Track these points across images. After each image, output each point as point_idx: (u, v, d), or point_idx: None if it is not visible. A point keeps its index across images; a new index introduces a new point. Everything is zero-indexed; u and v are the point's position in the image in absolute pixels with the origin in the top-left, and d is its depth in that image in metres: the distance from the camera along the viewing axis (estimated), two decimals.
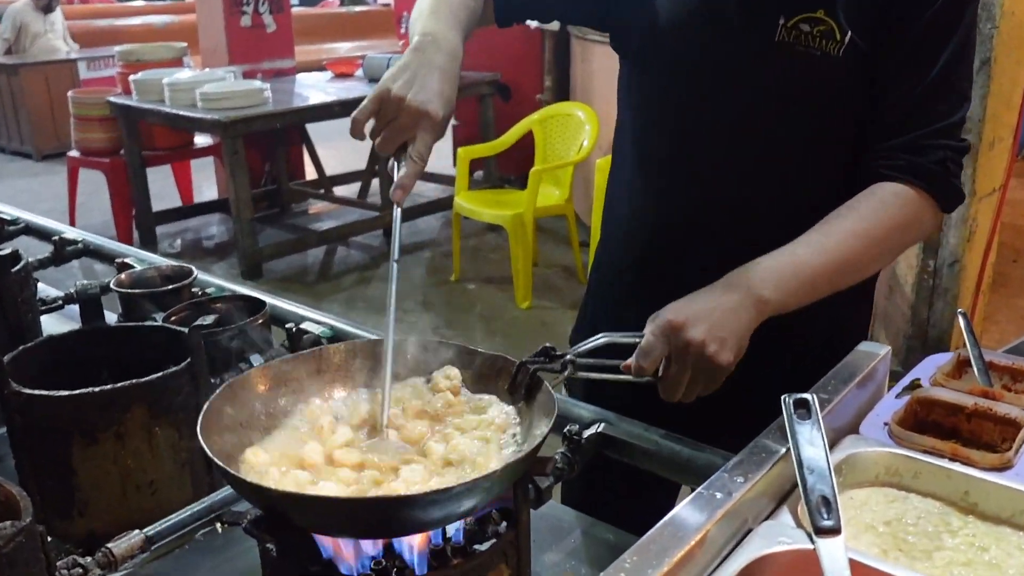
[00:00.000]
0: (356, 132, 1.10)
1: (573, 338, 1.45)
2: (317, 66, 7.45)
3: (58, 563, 0.87)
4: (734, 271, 1.06)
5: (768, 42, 1.12)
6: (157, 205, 5.97)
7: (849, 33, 1.09)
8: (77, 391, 1.05)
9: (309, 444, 0.93)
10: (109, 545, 0.91)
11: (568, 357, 1.02)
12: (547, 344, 1.02)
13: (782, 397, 0.88)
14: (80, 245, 1.97)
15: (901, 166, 1.10)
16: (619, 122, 1.40)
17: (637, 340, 1.02)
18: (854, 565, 0.74)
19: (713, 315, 1.00)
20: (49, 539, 1.11)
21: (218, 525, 1.03)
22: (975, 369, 1.12)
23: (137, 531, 0.94)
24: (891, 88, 1.12)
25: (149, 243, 5.79)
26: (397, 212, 1.09)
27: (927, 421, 1.03)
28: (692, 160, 1.25)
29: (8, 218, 2.15)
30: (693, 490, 0.96)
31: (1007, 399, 1.03)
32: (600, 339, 1.03)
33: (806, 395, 0.87)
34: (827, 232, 1.08)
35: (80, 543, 1.00)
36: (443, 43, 1.12)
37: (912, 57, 1.10)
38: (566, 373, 1.01)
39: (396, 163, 1.10)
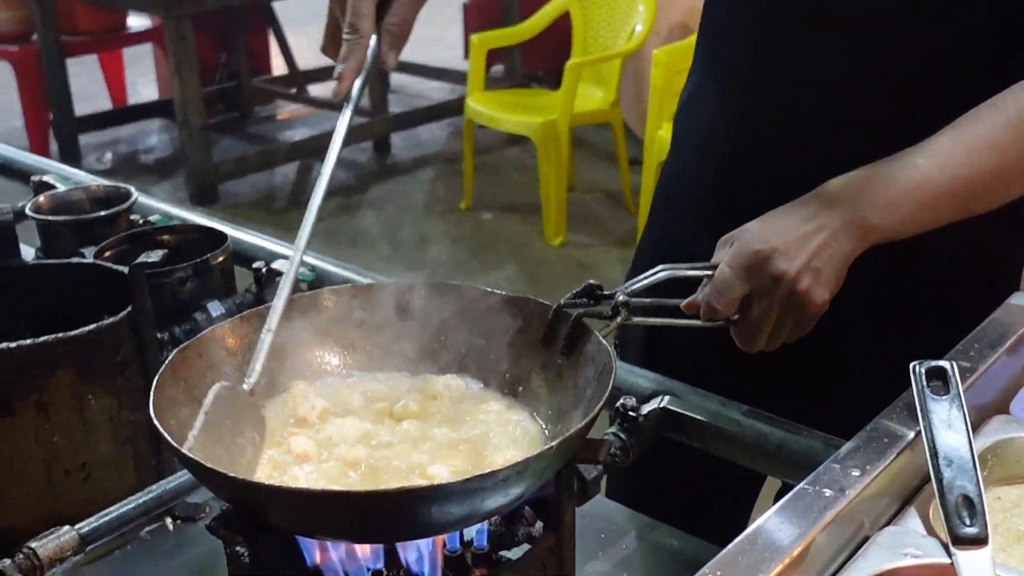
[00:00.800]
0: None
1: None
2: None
3: None
4: (833, 181, 1.07)
5: None
6: (81, 108, 6.01)
7: None
8: None
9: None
10: (32, 545, 0.92)
11: (620, 298, 1.01)
12: (591, 281, 1.01)
13: (911, 365, 0.87)
14: None
15: None
16: (705, 11, 1.40)
17: (708, 273, 1.03)
18: None
19: (806, 241, 1.01)
20: None
21: (168, 521, 1.06)
22: None
23: (68, 527, 0.95)
24: None
25: (71, 156, 5.82)
26: (345, 116, 1.08)
27: None
28: (791, 58, 1.25)
29: None
30: (787, 485, 0.96)
31: None
32: (659, 272, 1.03)
33: (943, 363, 0.86)
34: (958, 138, 1.07)
35: None
36: None
37: None
38: (619, 319, 1.00)
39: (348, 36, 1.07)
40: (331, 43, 1.10)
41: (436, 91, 6.56)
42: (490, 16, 6.38)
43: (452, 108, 5.98)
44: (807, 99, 1.25)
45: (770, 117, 1.29)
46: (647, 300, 1.05)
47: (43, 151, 5.82)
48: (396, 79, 6.90)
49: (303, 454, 0.91)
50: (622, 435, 1.05)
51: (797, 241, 1.01)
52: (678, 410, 1.11)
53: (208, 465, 0.77)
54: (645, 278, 1.03)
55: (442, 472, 0.87)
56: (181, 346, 0.95)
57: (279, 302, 0.96)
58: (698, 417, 1.11)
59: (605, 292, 1.01)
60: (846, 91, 1.22)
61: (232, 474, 0.79)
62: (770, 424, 1.08)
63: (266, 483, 0.83)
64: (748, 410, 1.10)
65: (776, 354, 1.17)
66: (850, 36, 1.21)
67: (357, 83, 1.07)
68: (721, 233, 1.10)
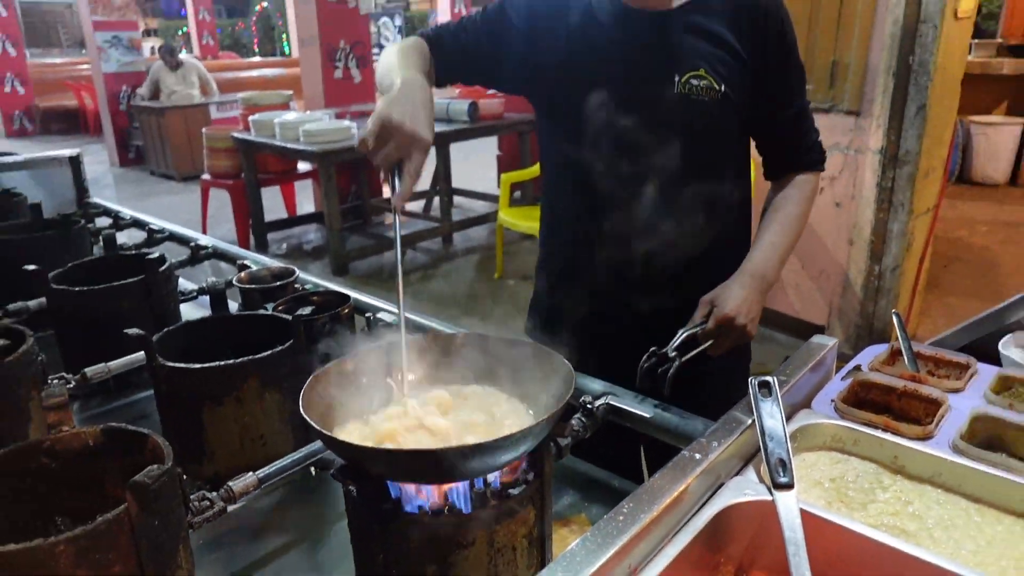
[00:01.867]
0: (361, 147, 1.07)
1: (529, 315, 1.58)
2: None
3: (191, 496, 0.89)
4: (748, 265, 1.24)
5: (670, 93, 1.22)
6: (268, 216, 6.04)
7: (723, 85, 1.21)
8: (206, 364, 1.07)
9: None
10: (230, 483, 0.93)
11: (672, 354, 1.13)
12: (653, 348, 1.14)
13: (749, 379, 0.87)
14: (210, 249, 2.01)
15: (805, 162, 1.34)
16: (544, 158, 1.45)
17: (701, 328, 1.17)
18: (804, 514, 0.73)
19: (748, 302, 1.17)
20: (185, 479, 1.15)
21: (312, 470, 1.04)
22: (905, 358, 1.11)
23: (251, 473, 0.96)
24: (776, 117, 1.30)
25: (262, 246, 5.85)
26: (397, 219, 1.05)
27: (865, 399, 1.02)
28: (613, 187, 1.29)
29: (156, 228, 2.20)
30: (680, 451, 0.96)
31: (930, 382, 1.02)
32: (682, 334, 1.16)
33: (768, 378, 0.86)
34: (784, 221, 1.29)
35: (208, 482, 1.01)
36: (423, 86, 1.11)
37: (778, 97, 1.28)
38: (676, 364, 1.11)
39: (395, 177, 1.06)
40: (371, 146, 1.05)
41: (481, 207, 6.57)
42: (514, 162, 6.43)
43: (490, 217, 5.99)
44: (624, 206, 1.29)
45: (601, 218, 1.32)
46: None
47: (245, 243, 5.87)
48: (456, 199, 6.94)
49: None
50: (583, 419, 1.04)
51: (744, 304, 1.17)
52: (617, 405, 1.11)
53: (330, 435, 0.78)
54: (679, 338, 1.15)
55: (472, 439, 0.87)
56: (320, 369, 0.95)
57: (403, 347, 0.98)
58: (629, 409, 1.10)
59: (662, 351, 1.14)
60: (649, 200, 1.27)
61: (343, 439, 0.80)
62: (671, 413, 1.07)
63: (363, 445, 0.82)
64: (658, 404, 1.10)
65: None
66: (646, 171, 1.26)
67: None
68: (585, 274, 1.28)
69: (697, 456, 0.78)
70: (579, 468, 1.21)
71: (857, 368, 1.07)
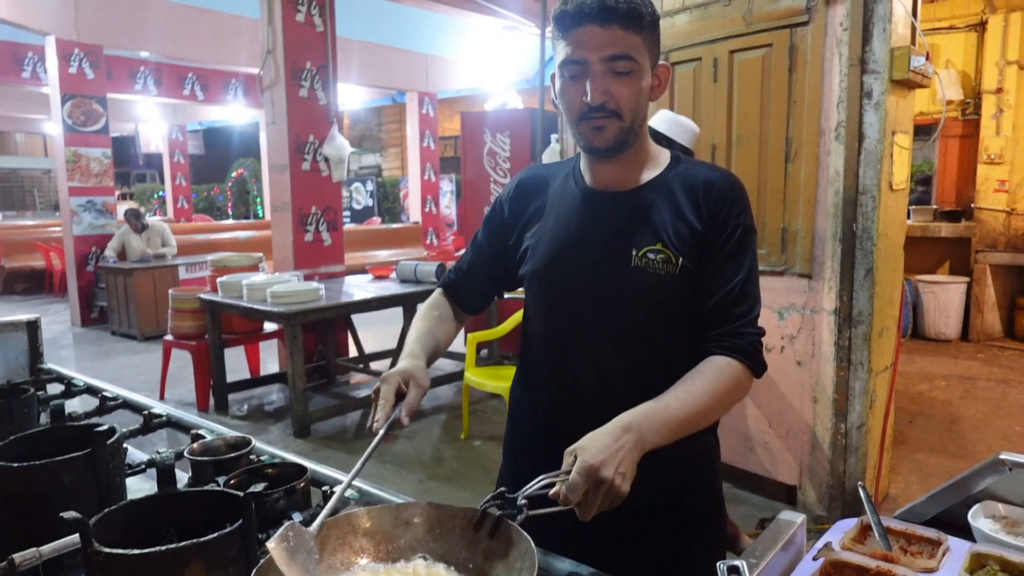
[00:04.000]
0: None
1: (501, 474, 1.58)
2: (361, 269, 7.64)
3: None
4: (626, 415, 1.11)
5: (626, 267, 1.26)
6: (231, 377, 5.95)
7: (681, 259, 1.25)
8: (145, 551, 1.01)
9: None
10: None
11: (521, 501, 1.01)
12: (501, 488, 1.02)
13: (718, 565, 0.84)
14: (164, 418, 1.95)
15: (727, 346, 1.23)
16: (524, 329, 1.51)
17: (565, 478, 1.04)
18: None
19: (617, 456, 1.05)
20: None
21: None
22: (876, 534, 1.09)
23: None
24: (711, 296, 1.26)
25: (222, 407, 5.70)
26: (377, 437, 1.21)
27: None
28: (577, 352, 1.35)
29: (109, 395, 2.15)
30: None
31: (903, 562, 0.99)
32: (539, 481, 1.04)
33: (737, 562, 0.83)
34: (686, 391, 1.17)
35: None
36: (421, 365, 1.37)
37: (720, 275, 1.26)
38: (523, 516, 0.99)
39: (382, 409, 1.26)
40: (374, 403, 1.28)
41: (448, 365, 6.56)
42: (479, 321, 6.52)
43: (456, 376, 5.98)
44: (589, 376, 1.33)
45: (567, 390, 1.36)
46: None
47: (204, 406, 5.73)
48: None
49: None
50: None
51: (611, 456, 1.04)
52: None
53: None
54: (533, 485, 1.04)
55: None
56: (262, 561, 0.91)
57: (324, 512, 0.96)
58: None
59: (511, 496, 1.02)
60: (610, 366, 1.31)
61: None
62: None
63: None
64: None
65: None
66: (608, 342, 1.31)
67: (382, 430, 1.21)
68: (547, 455, 1.15)
69: None
70: None
71: (827, 546, 1.04)
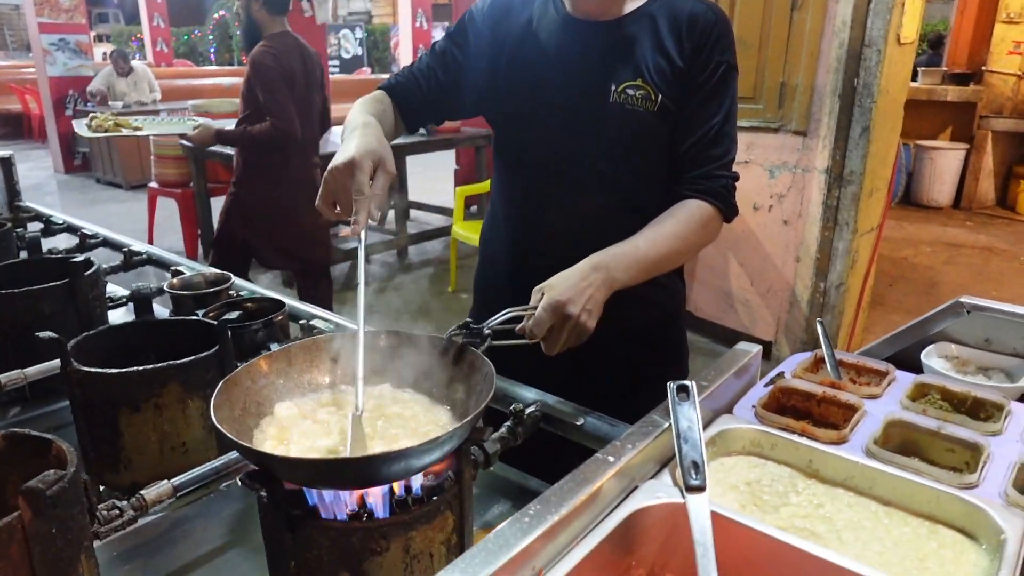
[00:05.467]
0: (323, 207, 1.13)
1: (471, 315, 1.52)
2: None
3: (100, 506, 0.86)
4: (596, 255, 1.12)
5: (604, 103, 1.23)
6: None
7: (660, 96, 1.21)
8: (123, 370, 1.05)
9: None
10: (142, 492, 0.90)
11: (486, 331, 1.02)
12: (467, 319, 1.03)
13: (668, 384, 0.88)
14: (144, 256, 1.97)
15: (700, 189, 1.22)
16: (495, 168, 1.48)
17: (531, 312, 1.06)
18: (715, 517, 0.74)
19: (585, 293, 1.06)
20: (101, 489, 1.12)
21: (238, 479, 1.03)
22: (828, 365, 1.13)
23: (166, 481, 0.94)
24: (687, 136, 1.24)
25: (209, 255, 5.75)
26: (362, 240, 1.07)
27: (787, 405, 1.04)
28: (550, 192, 1.33)
29: (89, 233, 2.15)
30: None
31: (850, 388, 1.04)
32: (506, 314, 1.06)
33: (687, 382, 0.87)
34: (657, 232, 1.18)
35: (126, 492, 0.98)
36: (387, 144, 1.15)
37: (698, 115, 1.23)
38: (486, 345, 1.01)
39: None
40: (325, 203, 1.10)
41: (437, 220, 6.56)
42: (470, 175, 6.45)
43: (444, 231, 5.98)
44: (562, 217, 1.32)
45: (540, 229, 1.36)
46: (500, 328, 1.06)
47: (193, 255, 5.75)
48: (412, 212, 6.91)
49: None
50: (513, 426, 1.03)
51: (578, 293, 1.06)
52: (548, 412, 1.11)
53: (234, 439, 0.76)
54: (499, 317, 1.05)
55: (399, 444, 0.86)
56: (232, 372, 0.92)
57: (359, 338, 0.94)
58: (560, 418, 1.10)
59: (476, 326, 1.03)
60: (583, 207, 1.30)
61: (248, 445, 0.78)
62: (601, 420, 1.08)
63: (271, 453, 0.80)
64: (587, 411, 1.10)
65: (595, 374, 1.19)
66: (582, 182, 1.30)
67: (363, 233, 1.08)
68: (516, 295, 1.14)
69: (610, 459, 0.78)
70: (511, 477, 1.20)
71: (780, 375, 1.09)
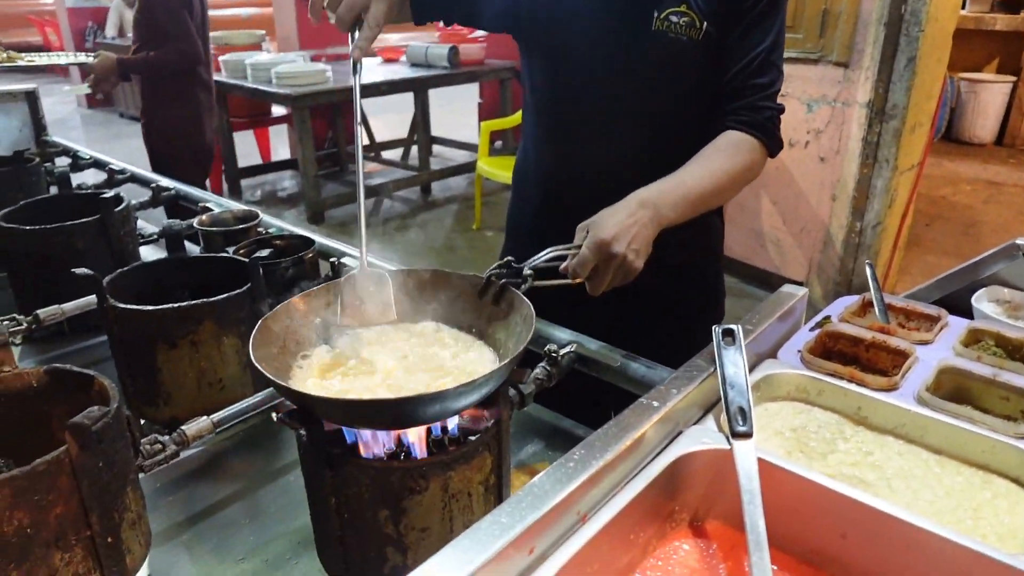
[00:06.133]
0: (313, 11, 1.12)
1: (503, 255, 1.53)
2: (370, 53, 7.28)
3: (143, 440, 0.87)
4: (642, 191, 1.08)
5: (646, 31, 1.18)
6: (242, 162, 5.92)
7: (705, 23, 1.16)
8: (158, 307, 1.05)
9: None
10: (183, 427, 0.91)
11: (527, 271, 0.99)
12: (508, 258, 1.00)
13: (713, 328, 0.86)
14: (172, 192, 1.96)
15: (744, 121, 1.17)
16: (524, 101, 1.42)
17: (575, 251, 1.02)
18: (762, 464, 0.73)
19: (631, 231, 1.02)
20: (142, 422, 1.14)
21: (273, 415, 1.03)
22: (876, 309, 1.10)
23: (205, 417, 0.94)
24: (731, 64, 1.19)
25: (236, 193, 5.76)
26: (358, 73, 1.06)
27: (833, 350, 1.02)
28: (584, 126, 1.29)
29: (117, 168, 2.14)
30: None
31: (899, 334, 1.02)
32: (548, 253, 1.02)
33: (732, 326, 0.85)
34: (703, 167, 1.14)
35: (166, 427, 1.00)
36: None
37: (744, 42, 1.18)
38: (527, 285, 0.98)
39: (352, 33, 1.10)
40: (314, 13, 1.13)
41: (460, 156, 6.48)
42: (495, 110, 6.33)
43: (469, 167, 5.92)
44: (596, 153, 1.29)
45: (575, 164, 1.32)
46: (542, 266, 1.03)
47: (218, 190, 5.77)
48: (436, 148, 6.83)
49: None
50: (548, 367, 1.02)
51: (625, 231, 1.02)
52: (583, 353, 1.09)
53: (274, 379, 0.75)
54: (541, 256, 1.02)
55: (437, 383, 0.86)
56: (271, 312, 0.92)
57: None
58: (596, 358, 1.09)
59: (517, 265, 1.00)
60: (619, 141, 1.26)
61: (287, 385, 0.78)
62: (636, 362, 1.07)
63: (311, 394, 0.80)
64: (625, 353, 1.09)
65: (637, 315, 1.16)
66: (620, 116, 1.25)
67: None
68: (551, 234, 1.11)
69: (655, 403, 0.77)
70: (545, 417, 1.21)
71: (827, 319, 1.06)
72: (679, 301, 1.38)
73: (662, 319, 1.38)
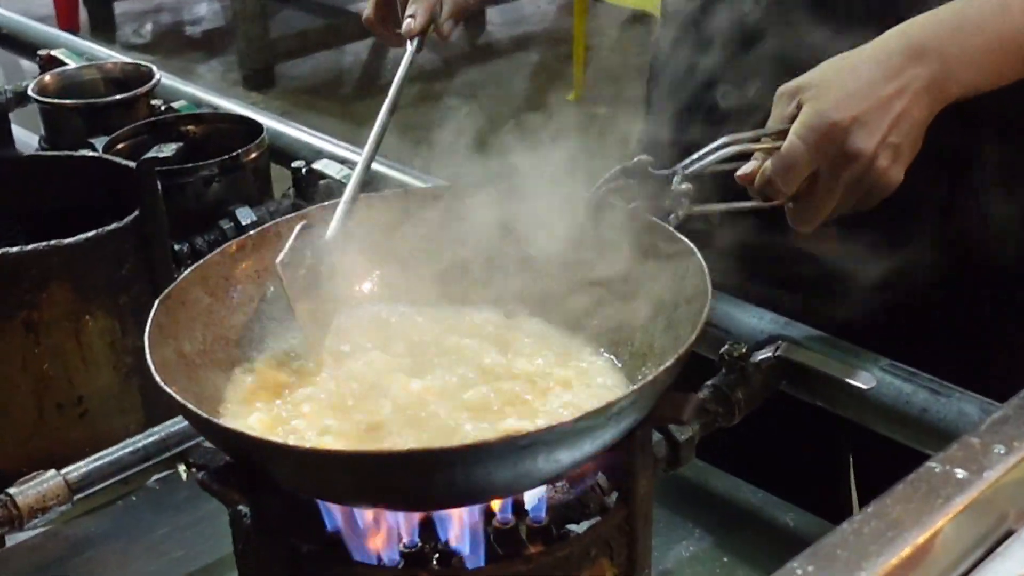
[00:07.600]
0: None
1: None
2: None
3: None
4: (905, 29, 1.08)
5: None
6: None
7: None
8: None
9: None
10: (11, 490, 0.94)
11: (679, 182, 1.02)
12: (640, 158, 1.04)
13: None
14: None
15: None
16: None
17: (773, 140, 1.04)
18: None
19: (887, 109, 1.02)
20: None
21: (181, 468, 1.06)
22: None
23: (53, 472, 0.97)
24: None
25: (103, 28, 5.91)
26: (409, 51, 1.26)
27: None
28: None
29: None
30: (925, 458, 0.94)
31: None
32: (721, 147, 1.05)
33: None
34: None
35: None
36: None
37: None
38: (682, 212, 1.01)
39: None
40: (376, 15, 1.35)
41: None
42: None
43: None
44: None
45: None
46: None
47: (71, 24, 5.86)
48: None
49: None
50: (726, 388, 1.03)
51: (878, 110, 1.01)
52: (798, 360, 1.10)
53: (191, 407, 0.76)
54: (706, 154, 1.04)
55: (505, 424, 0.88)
56: (184, 273, 0.94)
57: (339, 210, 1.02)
58: (823, 370, 1.09)
59: (657, 172, 1.02)
60: None
61: (217, 422, 0.79)
62: (910, 380, 1.05)
63: (262, 438, 0.82)
64: (889, 363, 1.08)
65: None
66: None
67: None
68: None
69: (960, 473, 0.75)
70: (712, 482, 1.24)
71: None
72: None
73: (958, 300, 1.35)
